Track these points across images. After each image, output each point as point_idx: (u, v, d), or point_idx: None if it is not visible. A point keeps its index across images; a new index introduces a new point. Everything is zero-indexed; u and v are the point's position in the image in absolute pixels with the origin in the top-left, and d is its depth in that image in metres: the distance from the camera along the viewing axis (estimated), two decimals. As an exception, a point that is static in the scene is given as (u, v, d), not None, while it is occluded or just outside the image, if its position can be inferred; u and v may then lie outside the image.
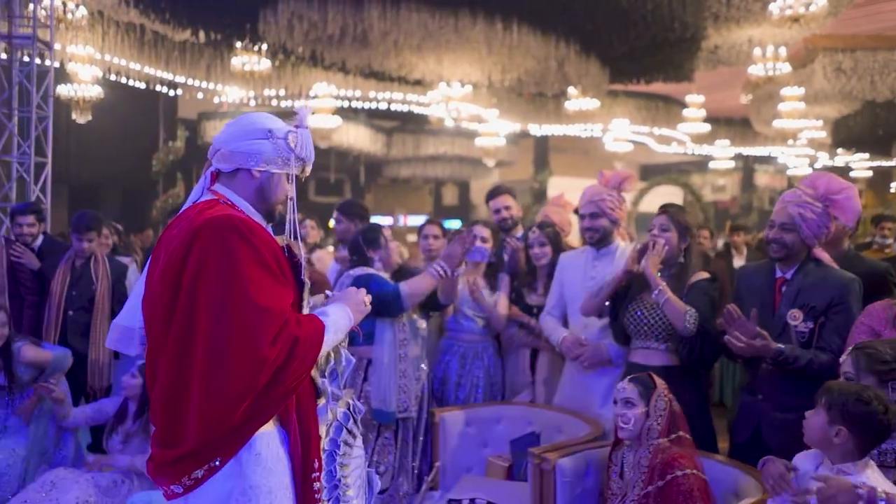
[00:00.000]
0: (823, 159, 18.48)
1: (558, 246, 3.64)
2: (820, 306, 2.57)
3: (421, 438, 3.42)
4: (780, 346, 2.53)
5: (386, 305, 3.18)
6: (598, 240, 3.27)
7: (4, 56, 6.12)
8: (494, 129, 14.99)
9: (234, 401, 1.69)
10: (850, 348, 2.18)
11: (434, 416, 3.29)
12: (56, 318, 4.15)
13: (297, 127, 1.90)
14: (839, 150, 17.43)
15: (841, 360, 2.20)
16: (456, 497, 2.91)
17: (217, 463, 1.72)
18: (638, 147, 18.34)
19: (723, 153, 18.09)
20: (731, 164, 18.63)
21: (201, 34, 10.68)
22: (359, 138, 16.39)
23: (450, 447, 3.25)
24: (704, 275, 2.97)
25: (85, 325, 4.19)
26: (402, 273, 3.56)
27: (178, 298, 1.72)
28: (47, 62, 6.36)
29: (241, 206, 1.87)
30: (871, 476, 1.92)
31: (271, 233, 1.91)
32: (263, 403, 1.73)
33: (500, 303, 3.68)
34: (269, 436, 1.79)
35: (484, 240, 3.75)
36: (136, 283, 4.38)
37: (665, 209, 3.06)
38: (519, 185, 18.60)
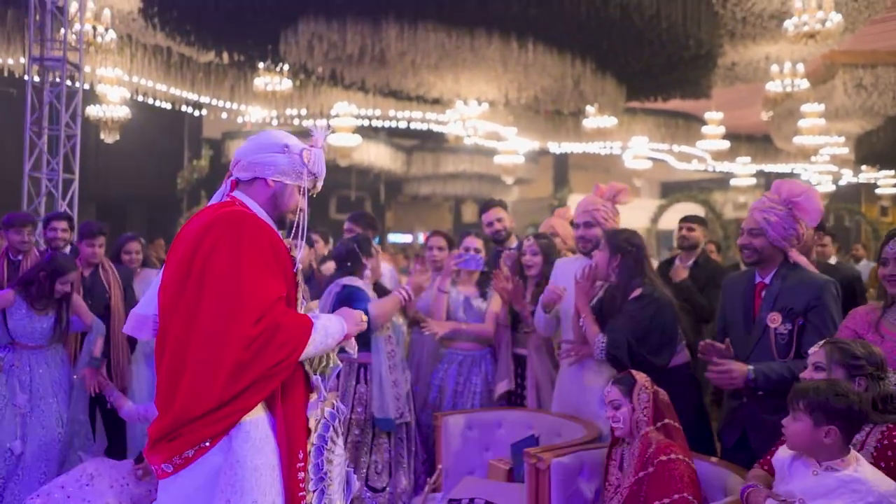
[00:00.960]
0: (847, 176, 18.32)
1: (550, 257, 3.72)
2: (798, 308, 2.66)
3: (414, 439, 3.53)
4: (750, 370, 2.61)
5: None
6: (591, 249, 3.35)
7: (37, 78, 6.40)
8: (513, 146, 15.12)
9: (217, 372, 1.84)
10: (823, 341, 2.24)
11: (437, 420, 3.37)
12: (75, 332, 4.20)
13: (311, 146, 2.10)
14: (863, 167, 17.28)
15: (811, 351, 2.25)
16: (456, 497, 2.99)
17: (207, 443, 1.86)
18: (658, 164, 18.34)
19: (744, 170, 18.02)
20: (753, 181, 18.54)
21: (225, 55, 10.96)
22: (379, 156, 16.62)
23: (452, 450, 3.32)
24: (636, 293, 3.02)
25: (106, 333, 4.23)
26: (376, 287, 3.76)
27: (189, 279, 1.92)
28: (76, 83, 6.62)
29: (256, 210, 2.07)
30: (861, 469, 1.96)
31: (279, 235, 2.10)
32: (246, 382, 1.86)
33: (490, 311, 3.77)
34: (258, 420, 1.93)
35: (477, 250, 3.86)
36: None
37: (605, 231, 3.24)
38: (538, 203, 18.70)
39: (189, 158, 16.07)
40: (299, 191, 2.09)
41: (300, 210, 2.13)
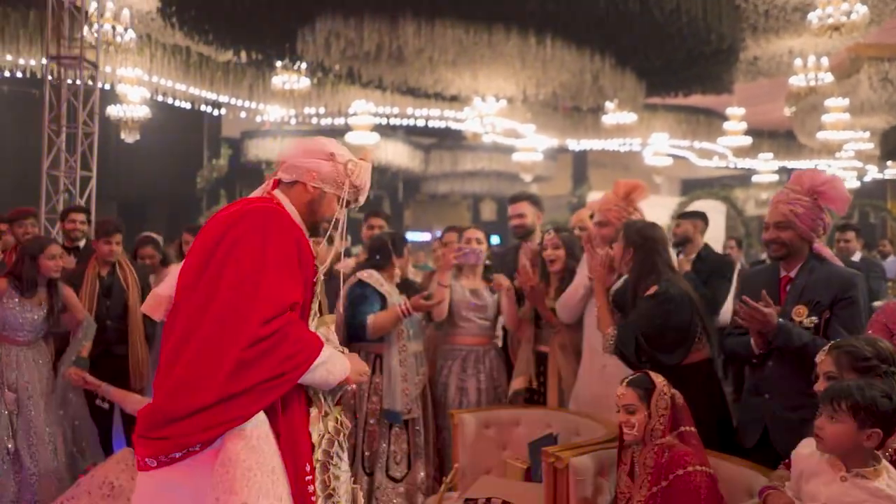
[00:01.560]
0: (872, 172, 18.00)
1: (573, 250, 3.64)
2: (825, 301, 2.57)
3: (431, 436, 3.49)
4: (782, 321, 2.53)
5: (352, 330, 3.48)
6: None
7: (56, 77, 6.43)
8: (531, 144, 15.03)
9: (217, 365, 1.79)
10: (827, 347, 2.15)
11: (453, 418, 3.32)
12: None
13: (361, 158, 2.09)
14: (888, 163, 16.96)
15: (818, 360, 2.16)
16: (472, 496, 2.93)
17: (197, 447, 1.81)
18: (679, 161, 18.14)
19: (766, 167, 17.77)
20: (776, 177, 18.27)
21: (243, 54, 10.98)
22: (397, 155, 16.61)
23: (469, 449, 3.26)
24: (651, 290, 2.91)
25: (124, 331, 4.25)
26: (405, 284, 3.77)
27: (210, 265, 1.90)
28: (96, 82, 6.65)
29: (291, 211, 2.05)
30: (888, 479, 1.87)
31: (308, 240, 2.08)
32: (244, 385, 1.80)
33: (506, 299, 3.70)
34: (256, 419, 1.85)
35: (479, 241, 3.78)
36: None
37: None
38: (557, 201, 18.59)
39: (208, 158, 16.16)
40: (338, 201, 2.07)
41: (336, 220, 2.11)
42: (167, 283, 2.09)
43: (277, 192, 2.08)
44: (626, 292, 3.06)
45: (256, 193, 2.13)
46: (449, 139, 17.26)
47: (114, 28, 9.21)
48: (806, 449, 2.03)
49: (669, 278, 2.95)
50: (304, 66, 11.23)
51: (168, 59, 11.82)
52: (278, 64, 11.42)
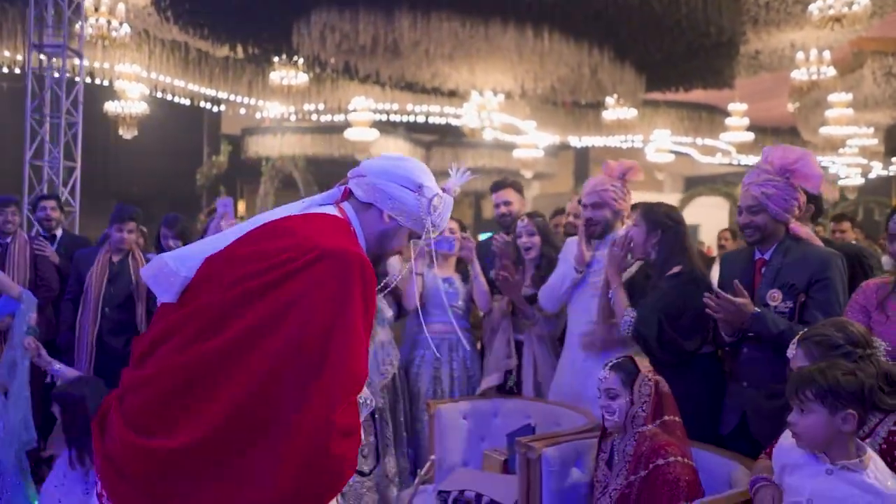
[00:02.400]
0: (877, 168, 17.83)
1: (547, 237, 3.54)
2: (800, 284, 2.46)
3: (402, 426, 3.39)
4: (758, 309, 2.43)
5: None
6: (599, 233, 3.18)
7: (39, 66, 6.33)
8: (532, 140, 14.94)
9: (282, 460, 1.46)
10: (796, 340, 2.05)
11: (430, 408, 3.23)
12: (94, 316, 4.09)
13: (444, 190, 1.81)
14: (893, 159, 16.81)
15: (789, 354, 2.05)
16: (446, 489, 2.85)
17: None
18: (682, 158, 18.02)
19: (770, 163, 17.59)
20: (780, 174, 18.08)
21: (239, 49, 10.93)
22: (398, 151, 16.51)
23: (446, 441, 3.18)
24: (674, 270, 2.82)
25: (122, 323, 4.12)
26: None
27: (265, 296, 1.53)
28: (83, 71, 6.58)
29: (360, 239, 1.76)
30: (879, 474, 1.78)
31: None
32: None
33: (477, 282, 3.60)
34: None
35: (452, 231, 3.66)
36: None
37: (635, 206, 3.03)
38: (559, 198, 18.44)
39: (208, 154, 16.13)
40: (410, 235, 1.81)
41: (409, 264, 1.89)
42: (180, 256, 1.69)
43: (349, 210, 1.76)
44: (642, 278, 2.96)
45: (322, 198, 1.80)
46: (450, 136, 17.17)
47: (109, 22, 9.17)
48: (787, 441, 1.93)
49: (694, 260, 2.89)
50: (301, 61, 11.17)
51: (166, 56, 11.79)
52: (276, 59, 11.36)
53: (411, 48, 9.23)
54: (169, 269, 1.64)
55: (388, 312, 3.60)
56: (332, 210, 1.75)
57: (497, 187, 4.05)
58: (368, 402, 1.84)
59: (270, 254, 1.57)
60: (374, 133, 13.79)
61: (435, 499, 2.89)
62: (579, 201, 4.06)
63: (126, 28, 9.38)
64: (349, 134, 13.87)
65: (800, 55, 10.56)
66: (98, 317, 4.09)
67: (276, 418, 1.47)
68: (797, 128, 15.56)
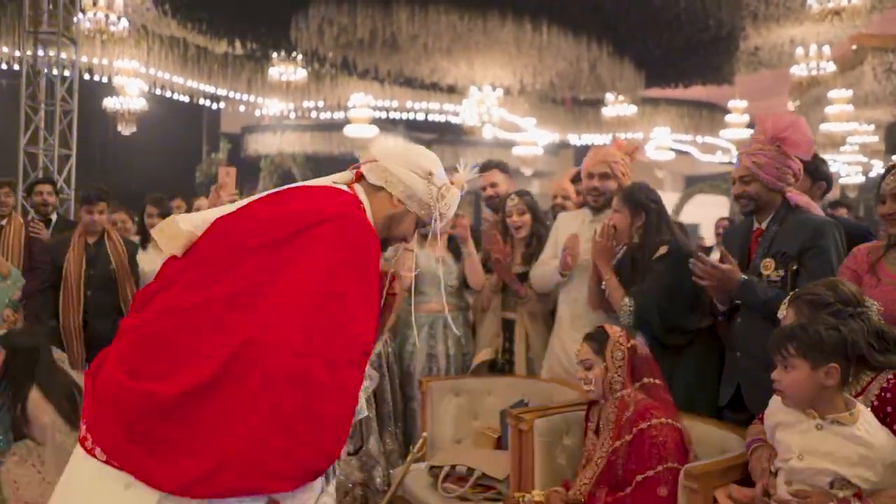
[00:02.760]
0: (877, 167, 17.79)
1: (537, 214, 3.52)
2: (791, 252, 2.41)
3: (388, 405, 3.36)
4: (744, 277, 2.40)
5: None
6: (603, 204, 3.14)
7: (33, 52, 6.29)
8: (532, 138, 14.92)
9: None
10: (787, 300, 2.02)
11: (422, 386, 3.20)
12: (76, 299, 4.06)
13: (453, 183, 1.84)
14: (894, 157, 16.77)
15: (780, 315, 2.03)
16: (437, 464, 2.81)
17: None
18: (682, 157, 17.98)
19: (770, 162, 17.54)
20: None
21: (238, 44, 10.93)
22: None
23: (439, 418, 3.14)
24: (661, 251, 2.79)
25: (106, 305, 4.08)
26: None
27: (273, 251, 1.54)
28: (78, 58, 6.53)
29: (369, 218, 1.76)
30: (870, 428, 1.76)
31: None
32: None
33: (470, 259, 3.56)
34: None
35: None
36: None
37: (616, 190, 2.99)
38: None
39: (207, 152, 16.12)
40: (417, 223, 1.83)
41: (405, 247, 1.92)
42: (192, 219, 1.69)
43: (359, 189, 1.78)
44: (629, 262, 2.90)
45: (334, 178, 1.82)
46: (449, 134, 17.15)
47: (107, 16, 9.16)
48: (778, 405, 1.91)
49: (678, 237, 2.86)
50: (300, 57, 11.16)
51: (165, 52, 11.75)
52: (274, 55, 11.35)
53: (409, 42, 9.24)
54: (176, 225, 1.64)
55: None
56: (344, 189, 1.77)
57: (483, 169, 4.02)
58: (372, 377, 1.87)
59: (282, 214, 1.60)
60: (374, 130, 13.76)
61: (426, 475, 2.86)
62: (574, 179, 4.04)
63: (124, 22, 9.38)
64: (348, 131, 13.84)
65: (799, 50, 10.54)
66: (81, 301, 4.04)
67: (271, 369, 1.44)
68: (797, 126, 15.51)
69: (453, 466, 2.75)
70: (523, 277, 3.42)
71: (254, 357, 1.44)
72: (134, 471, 1.43)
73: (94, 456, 1.48)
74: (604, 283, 2.86)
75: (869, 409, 1.81)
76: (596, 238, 2.89)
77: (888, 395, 1.82)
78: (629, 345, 2.33)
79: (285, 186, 1.78)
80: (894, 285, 2.13)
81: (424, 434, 3.08)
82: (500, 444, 3.02)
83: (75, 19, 6.62)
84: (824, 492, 1.73)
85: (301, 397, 1.43)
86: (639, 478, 2.10)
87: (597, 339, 2.36)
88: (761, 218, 2.57)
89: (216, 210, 1.72)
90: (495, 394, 3.21)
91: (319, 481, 1.54)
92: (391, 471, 3.15)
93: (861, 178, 17.35)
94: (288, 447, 1.42)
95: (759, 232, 2.57)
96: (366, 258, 1.60)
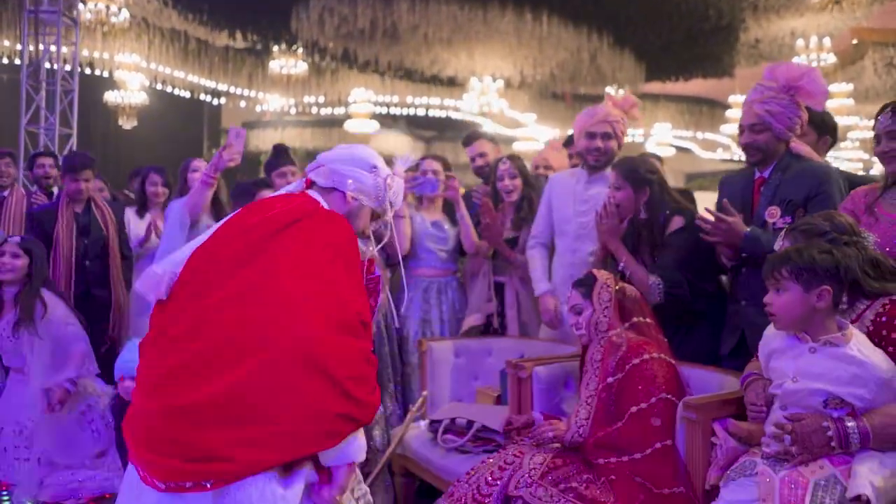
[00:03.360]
0: (878, 164, 17.79)
1: (528, 178, 3.51)
2: (798, 199, 2.40)
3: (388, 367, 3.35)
4: (748, 229, 2.39)
5: None
6: (605, 164, 3.11)
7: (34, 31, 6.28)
8: (532, 133, 14.94)
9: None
10: (784, 231, 2.03)
11: (421, 346, 3.19)
12: (69, 270, 4.00)
13: (394, 173, 1.98)
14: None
15: (776, 246, 2.03)
16: (438, 418, 2.81)
17: (209, 485, 1.53)
18: (684, 156, 17.96)
19: (771, 159, 17.55)
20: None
21: (238, 35, 10.94)
22: (399, 146, 16.48)
23: (438, 378, 3.13)
24: (677, 224, 2.73)
25: (103, 274, 4.05)
26: None
27: (259, 257, 1.66)
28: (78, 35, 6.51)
29: None
30: (862, 348, 1.77)
31: None
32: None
33: (464, 223, 3.55)
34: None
35: (435, 172, 3.57)
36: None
37: (614, 165, 2.92)
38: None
39: (208, 148, 16.12)
40: (372, 214, 1.97)
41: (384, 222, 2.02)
42: (167, 261, 1.79)
43: (314, 195, 1.89)
44: (636, 236, 2.84)
45: (289, 189, 1.96)
46: (450, 130, 17.17)
47: (107, 8, 9.18)
48: (771, 330, 1.91)
49: (684, 206, 2.82)
50: (300, 50, 11.18)
51: (166, 46, 11.78)
52: (275, 48, 11.37)
53: (410, 32, 9.26)
54: (155, 273, 1.75)
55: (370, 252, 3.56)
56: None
57: (469, 140, 4.03)
58: None
59: (263, 220, 1.72)
60: (375, 125, 13.78)
61: (426, 431, 2.85)
62: (565, 143, 4.04)
63: (125, 13, 9.41)
64: (349, 126, 13.86)
65: (800, 42, 10.54)
66: (72, 271, 3.99)
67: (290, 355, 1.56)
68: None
69: (453, 420, 2.75)
70: (513, 243, 3.42)
71: (273, 347, 1.56)
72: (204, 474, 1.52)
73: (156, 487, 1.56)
74: (621, 264, 2.75)
75: (865, 335, 1.81)
76: (601, 220, 2.79)
77: (883, 319, 1.83)
78: (617, 287, 2.35)
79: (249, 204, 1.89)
80: (892, 223, 2.12)
81: (424, 393, 3.09)
82: (499, 403, 3.02)
83: (80, 5, 6.64)
84: (817, 414, 1.73)
85: (319, 373, 1.56)
86: (633, 409, 2.10)
87: (585, 283, 2.37)
88: (763, 167, 2.56)
89: (188, 246, 1.80)
90: (495, 354, 3.20)
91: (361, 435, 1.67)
92: (391, 430, 3.13)
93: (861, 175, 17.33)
94: (322, 411, 1.56)
95: (761, 180, 2.56)
96: (346, 242, 1.75)
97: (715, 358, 2.59)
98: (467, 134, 4.08)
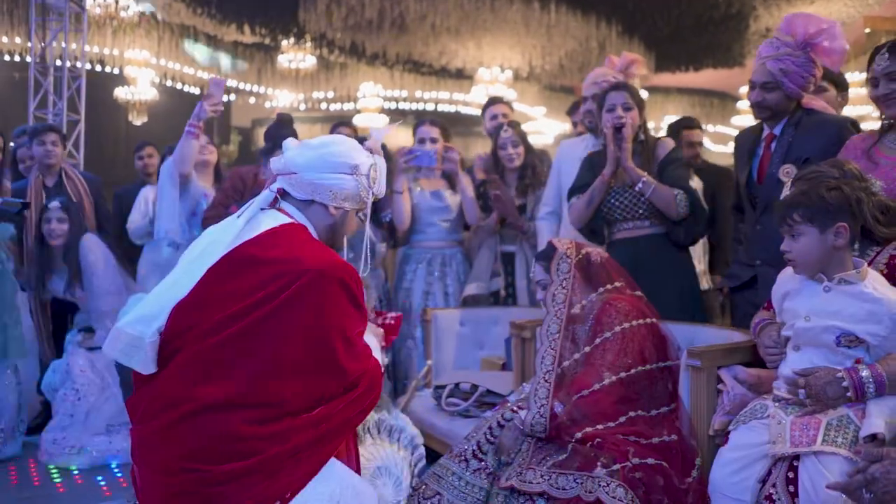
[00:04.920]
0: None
1: (529, 145, 3.47)
2: (815, 155, 2.28)
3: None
4: None
5: None
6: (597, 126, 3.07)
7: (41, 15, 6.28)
8: (541, 128, 14.87)
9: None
10: (789, 181, 1.97)
11: (426, 314, 3.15)
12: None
13: (370, 150, 1.81)
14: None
15: (782, 197, 1.95)
16: (442, 383, 2.77)
17: (287, 495, 1.54)
18: (694, 149, 17.85)
19: (784, 151, 17.43)
20: (793, 163, 17.91)
21: (247, 29, 10.96)
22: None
23: (443, 347, 3.10)
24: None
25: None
26: None
27: (260, 329, 1.57)
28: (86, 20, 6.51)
29: (312, 233, 1.77)
30: (877, 286, 1.73)
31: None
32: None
33: (465, 194, 3.47)
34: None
35: (434, 140, 3.46)
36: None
37: (618, 86, 2.83)
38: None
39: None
40: (357, 213, 1.83)
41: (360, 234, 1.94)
42: (135, 321, 1.61)
43: (290, 209, 1.74)
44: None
45: (261, 202, 1.74)
46: (460, 125, 17.12)
47: (116, 2, 9.21)
48: (786, 273, 1.87)
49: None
50: (309, 44, 11.18)
51: (175, 42, 11.83)
52: (284, 42, 11.38)
53: (417, 22, 9.23)
54: (132, 338, 1.57)
55: (382, 249, 3.52)
56: (279, 217, 1.71)
57: (494, 101, 3.99)
58: (384, 361, 1.93)
59: (255, 286, 1.58)
60: (383, 119, 13.77)
61: (431, 397, 2.82)
62: (570, 111, 4.00)
63: (134, 8, 9.44)
64: (358, 120, 13.85)
65: (811, 29, 10.44)
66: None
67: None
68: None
69: (457, 385, 2.71)
70: (520, 210, 3.38)
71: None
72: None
73: None
74: (640, 184, 2.67)
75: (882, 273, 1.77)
76: (616, 144, 2.70)
77: None
78: (579, 255, 2.20)
79: (225, 238, 1.67)
80: (893, 165, 2.06)
81: (429, 362, 3.05)
82: (504, 370, 2.98)
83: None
84: (827, 367, 1.69)
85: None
86: (604, 382, 1.99)
87: (545, 255, 2.24)
88: (773, 123, 2.49)
89: (161, 293, 1.64)
90: (501, 324, 3.16)
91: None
92: (398, 398, 3.10)
93: (875, 167, 17.17)
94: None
95: (771, 137, 2.49)
96: (349, 299, 1.63)
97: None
98: (490, 97, 4.04)
